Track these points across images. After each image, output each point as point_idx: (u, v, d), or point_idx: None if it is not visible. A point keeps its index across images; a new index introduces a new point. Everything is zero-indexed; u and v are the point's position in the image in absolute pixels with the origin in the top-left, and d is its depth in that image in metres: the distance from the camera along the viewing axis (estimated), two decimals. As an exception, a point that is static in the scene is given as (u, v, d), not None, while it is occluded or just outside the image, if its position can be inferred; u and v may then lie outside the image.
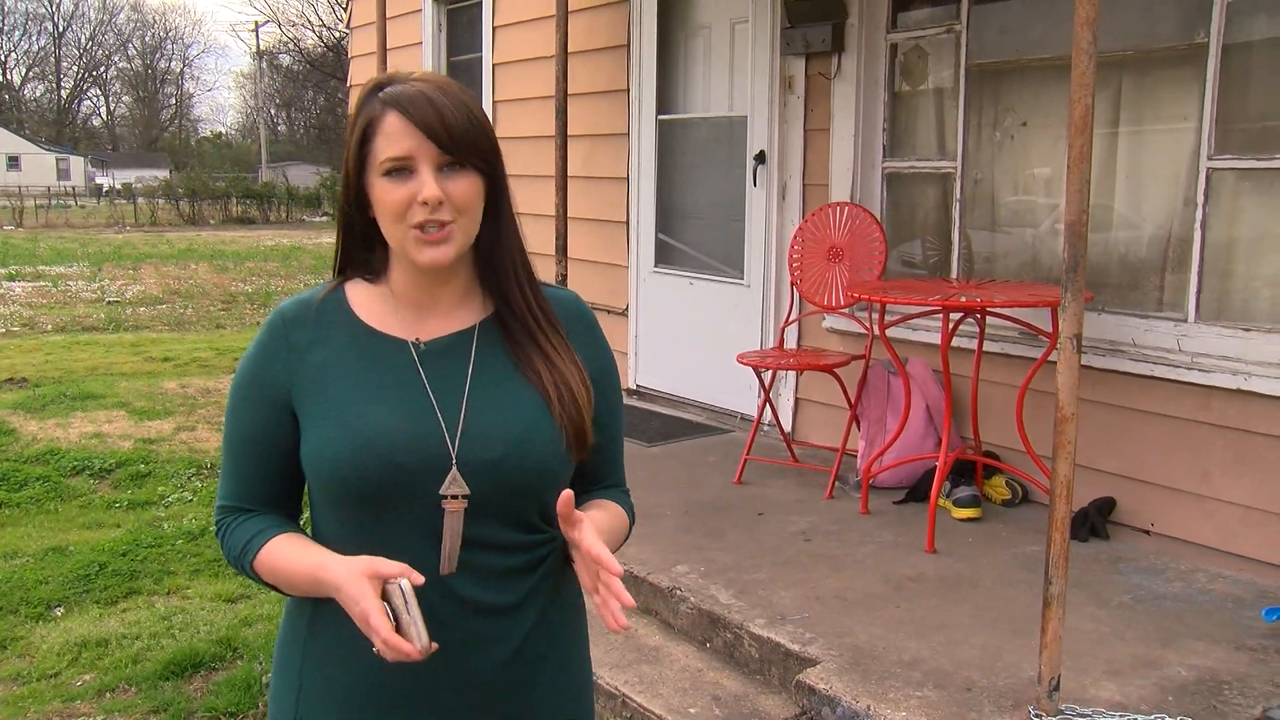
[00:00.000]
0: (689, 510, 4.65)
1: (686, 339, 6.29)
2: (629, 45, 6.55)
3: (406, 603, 1.37)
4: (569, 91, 6.89)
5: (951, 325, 4.37)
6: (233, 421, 1.58)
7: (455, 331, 1.59)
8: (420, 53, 8.65)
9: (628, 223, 6.70)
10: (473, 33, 8.11)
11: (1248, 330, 4.03)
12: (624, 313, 6.79)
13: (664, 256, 6.52)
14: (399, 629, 1.37)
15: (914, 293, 4.23)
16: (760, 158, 5.72)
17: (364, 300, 1.60)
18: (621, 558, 4.10)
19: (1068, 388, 2.77)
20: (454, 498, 1.50)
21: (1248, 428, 3.96)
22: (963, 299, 4.02)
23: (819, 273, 5.17)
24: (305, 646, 1.59)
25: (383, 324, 1.59)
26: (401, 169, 1.48)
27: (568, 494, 1.45)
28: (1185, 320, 4.22)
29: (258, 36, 36.25)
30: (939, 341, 4.42)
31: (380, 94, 1.52)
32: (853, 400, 4.94)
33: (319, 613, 1.55)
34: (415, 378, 1.56)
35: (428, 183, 1.47)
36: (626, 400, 6.66)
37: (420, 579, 1.40)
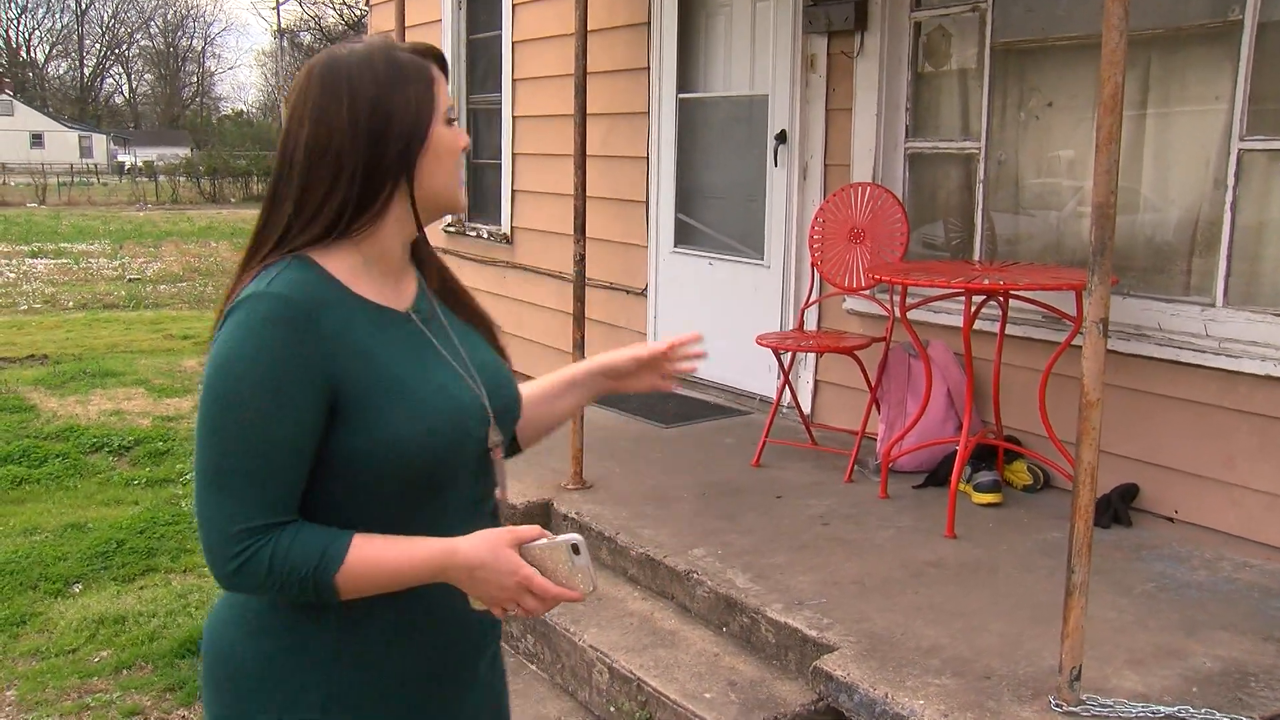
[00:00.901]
0: (706, 493, 4.61)
1: (705, 320, 6.24)
2: (649, 23, 6.49)
3: (579, 551, 1.48)
4: (590, 70, 6.85)
5: (974, 308, 4.31)
6: (267, 427, 1.42)
7: (417, 294, 1.65)
8: (440, 30, 8.59)
9: (647, 202, 6.65)
10: (492, 10, 8.05)
11: (1278, 315, 3.96)
12: (643, 293, 6.74)
13: (683, 237, 6.46)
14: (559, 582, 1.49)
15: (936, 275, 4.17)
16: (781, 137, 5.66)
17: (344, 273, 1.54)
18: (637, 540, 4.08)
19: (1093, 373, 2.72)
20: (497, 445, 1.62)
21: (1275, 414, 3.89)
22: (985, 281, 3.96)
23: (840, 254, 5.11)
24: (337, 648, 1.52)
25: (378, 295, 1.57)
26: (451, 119, 1.59)
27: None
28: (1213, 305, 4.15)
29: (279, 14, 36.20)
30: (961, 324, 4.36)
31: (416, 51, 1.59)
32: (873, 383, 4.88)
33: (361, 608, 1.50)
34: (429, 344, 1.60)
35: (463, 132, 1.61)
36: (645, 381, 6.60)
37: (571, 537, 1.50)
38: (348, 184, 1.51)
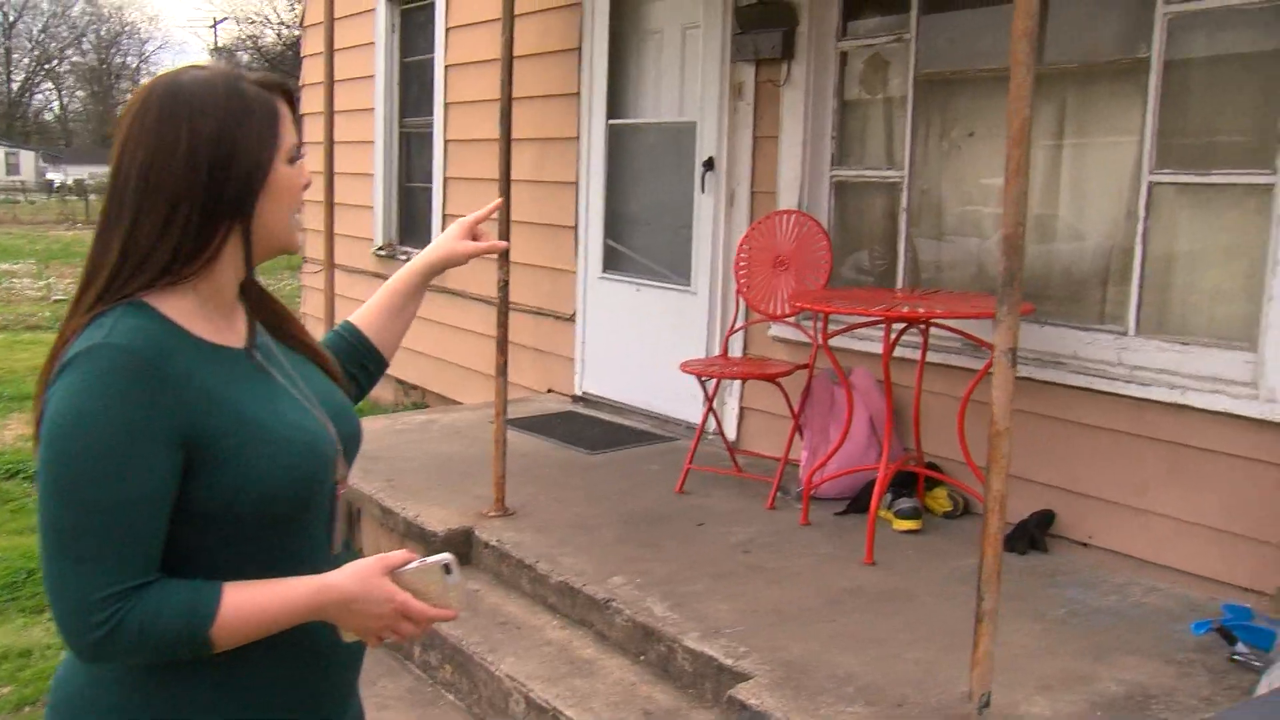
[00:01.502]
0: (628, 520, 4.61)
1: (633, 346, 6.25)
2: (580, 49, 6.51)
3: (451, 571, 1.49)
4: (520, 95, 6.86)
5: (894, 336, 4.36)
6: (122, 483, 1.35)
7: (251, 329, 1.61)
8: (373, 53, 8.57)
9: (576, 228, 6.66)
10: (426, 34, 8.05)
11: (1186, 344, 4.05)
12: (570, 319, 6.74)
13: (612, 262, 6.48)
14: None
15: (857, 302, 4.21)
16: (709, 164, 5.70)
17: (181, 316, 1.47)
18: (557, 568, 4.07)
19: (1002, 402, 2.75)
20: (341, 479, 1.61)
21: (1183, 441, 3.97)
22: (904, 310, 4.01)
23: (765, 281, 5.14)
24: (214, 702, 1.47)
25: (215, 335, 1.52)
26: (295, 157, 1.55)
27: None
28: (1126, 333, 4.23)
29: (215, 33, 35.73)
30: (883, 351, 4.41)
31: (263, 84, 1.54)
32: (796, 410, 4.91)
33: (235, 656, 1.46)
34: (272, 380, 1.56)
35: (306, 170, 1.57)
36: (571, 407, 6.61)
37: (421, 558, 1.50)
38: (183, 225, 1.44)
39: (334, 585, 1.46)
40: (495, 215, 2.12)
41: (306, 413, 1.55)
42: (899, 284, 5.03)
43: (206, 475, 1.42)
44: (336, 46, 8.88)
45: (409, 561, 1.49)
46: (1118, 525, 4.19)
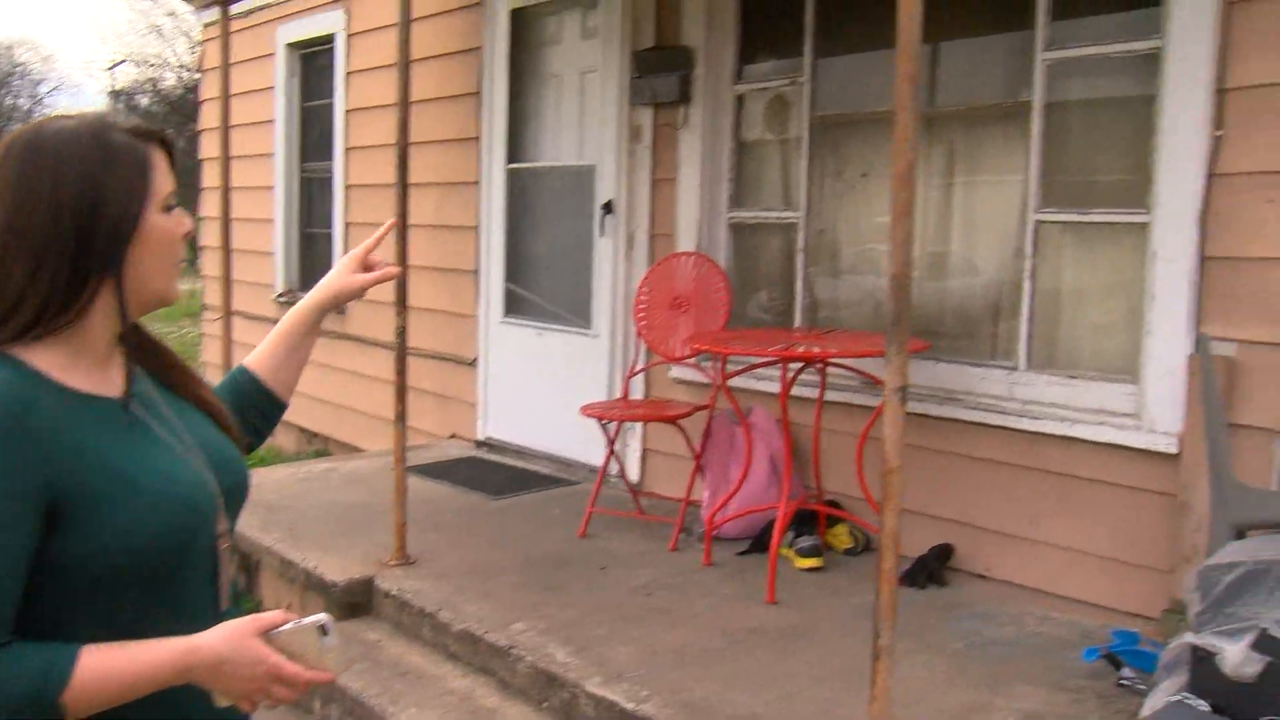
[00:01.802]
0: (530, 565, 4.56)
1: (535, 390, 6.22)
2: (480, 93, 6.51)
3: (328, 631, 1.44)
4: (420, 139, 6.84)
5: (791, 375, 4.39)
6: None
7: (130, 377, 1.56)
8: (273, 97, 8.47)
9: (477, 272, 6.63)
10: (326, 78, 7.98)
11: (1073, 378, 4.14)
12: (473, 364, 6.69)
13: (513, 307, 6.46)
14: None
15: (753, 343, 4.24)
16: (608, 207, 5.72)
17: (51, 366, 1.44)
18: (458, 616, 4.01)
19: (893, 440, 2.78)
20: (223, 534, 1.55)
21: (1072, 472, 4.06)
22: (799, 349, 4.04)
23: (665, 323, 5.16)
24: None
25: (89, 384, 1.47)
26: (171, 205, 1.51)
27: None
28: (1017, 368, 4.31)
29: (113, 76, 34.93)
30: (779, 391, 4.44)
31: (135, 133, 1.50)
32: (697, 451, 4.92)
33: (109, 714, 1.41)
34: (149, 431, 1.51)
35: (187, 217, 1.53)
36: (475, 452, 6.55)
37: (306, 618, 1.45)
38: (50, 278, 1.40)
39: (202, 647, 1.40)
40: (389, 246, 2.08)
41: (183, 464, 1.50)
42: (797, 323, 5.08)
43: (71, 530, 1.37)
44: (236, 90, 8.81)
45: (285, 622, 1.45)
46: (1013, 556, 4.26)
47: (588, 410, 4.91)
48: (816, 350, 4.06)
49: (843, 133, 4.97)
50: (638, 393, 5.59)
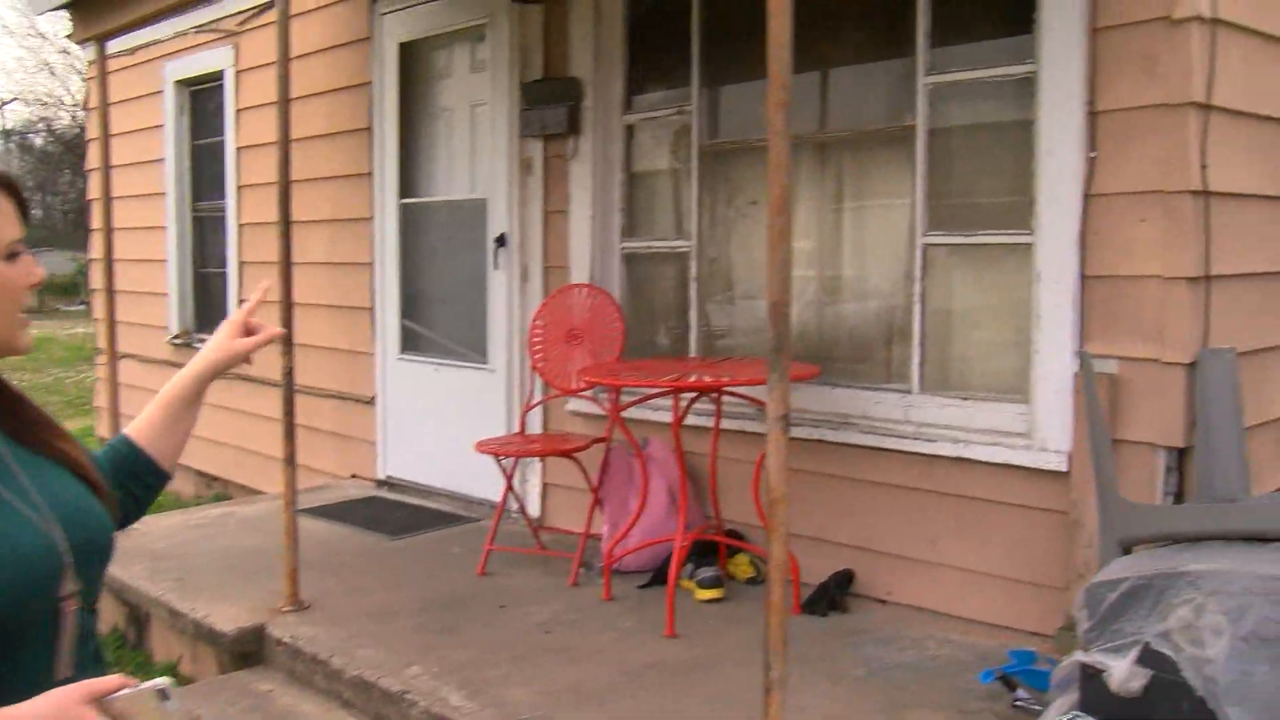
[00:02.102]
0: (427, 607, 4.45)
1: (434, 427, 6.11)
2: (371, 128, 6.41)
3: (168, 696, 1.34)
4: (313, 176, 6.73)
5: (685, 404, 4.35)
6: None
7: None
8: (162, 135, 8.27)
9: (372, 309, 6.51)
10: (217, 115, 7.81)
11: (966, 399, 4.15)
12: (371, 402, 6.56)
13: (410, 343, 6.34)
14: None
15: (645, 374, 4.19)
16: (501, 240, 5.65)
17: None
18: (352, 662, 3.88)
19: (776, 469, 2.74)
20: (71, 595, 1.46)
21: (968, 493, 4.06)
22: (690, 379, 4.00)
23: (560, 356, 5.09)
24: None
25: None
26: (16, 253, 1.46)
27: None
28: (911, 391, 4.31)
29: (3, 115, 34.04)
30: (672, 421, 4.40)
31: None
32: (595, 484, 4.85)
33: None
34: None
35: (36, 265, 1.47)
36: (375, 492, 6.41)
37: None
38: None
39: (20, 717, 1.30)
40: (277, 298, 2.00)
41: (22, 524, 1.41)
42: (693, 352, 5.05)
43: None
44: (126, 129, 8.62)
45: (121, 688, 1.35)
46: (913, 580, 4.25)
47: (482, 447, 4.82)
48: (708, 379, 4.02)
49: (732, 161, 4.97)
50: (536, 426, 5.51)
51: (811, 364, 4.38)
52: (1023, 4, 3.89)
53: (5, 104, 31.96)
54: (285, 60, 4.54)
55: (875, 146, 4.49)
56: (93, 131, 9.12)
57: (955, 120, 4.21)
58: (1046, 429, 3.86)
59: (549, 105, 5.32)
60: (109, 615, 5.17)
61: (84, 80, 8.81)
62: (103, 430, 9.49)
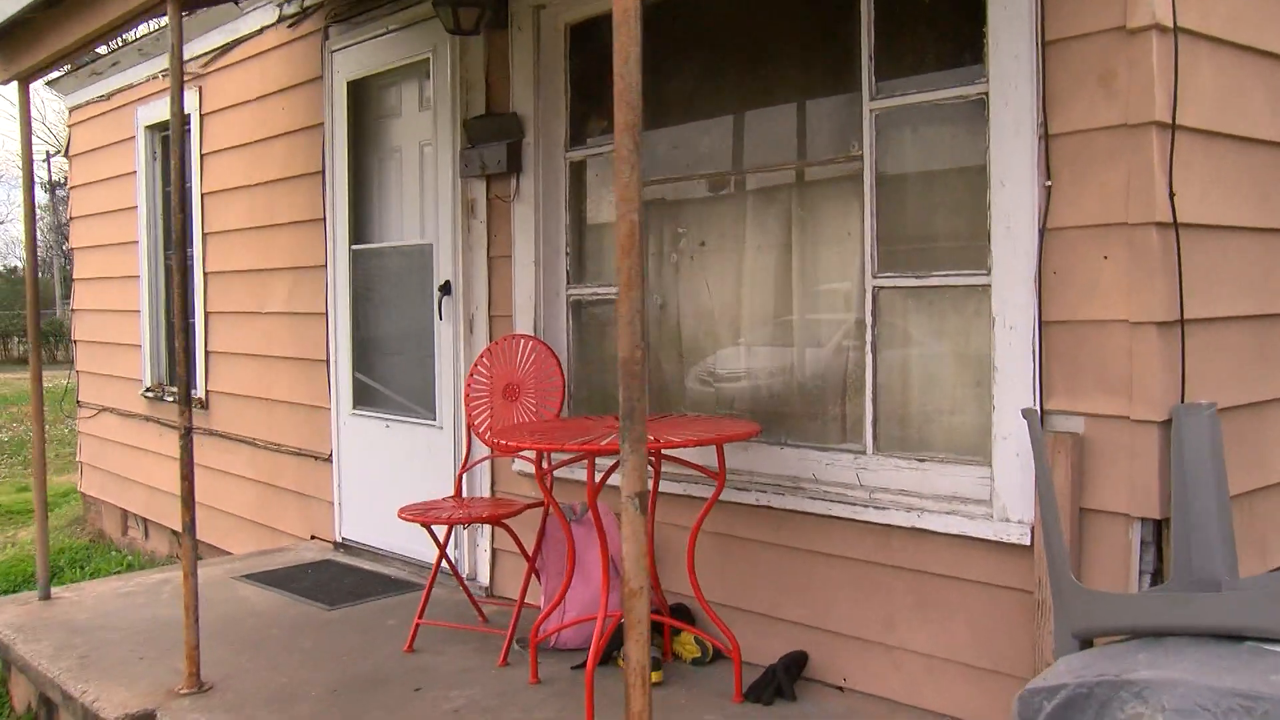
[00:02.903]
0: (341, 688, 4.01)
1: (387, 487, 5.70)
2: (323, 171, 6.06)
3: None
4: (274, 222, 6.43)
5: (607, 468, 3.92)
6: None
7: None
8: (135, 183, 7.99)
9: (328, 361, 6.13)
10: (186, 161, 7.52)
11: (922, 461, 3.67)
12: (329, 459, 6.16)
13: (362, 397, 5.95)
14: None
15: (571, 434, 3.76)
16: (445, 288, 5.25)
17: None
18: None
19: (633, 557, 2.29)
20: None
21: (925, 568, 3.57)
22: (604, 440, 3.56)
23: (499, 412, 4.67)
24: None
25: None
26: None
27: None
28: (864, 452, 3.84)
29: (49, 167, 34.30)
30: (619, 484, 3.96)
31: None
32: (531, 553, 4.41)
33: None
34: None
35: None
36: (330, 555, 6.00)
37: None
38: None
39: None
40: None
41: None
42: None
43: None
44: (101, 175, 8.40)
45: None
46: (870, 664, 3.75)
47: (406, 513, 4.39)
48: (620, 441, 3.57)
49: (677, 200, 4.54)
50: (484, 488, 5.08)
51: (752, 421, 3.92)
52: (972, 18, 3.44)
53: (51, 156, 32.26)
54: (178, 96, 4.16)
55: (822, 181, 4.04)
56: (82, 176, 8.91)
57: (906, 150, 3.75)
58: (1007, 496, 3.36)
59: (489, 143, 4.93)
60: (24, 694, 4.80)
61: (69, 127, 8.61)
62: (88, 487, 9.20)
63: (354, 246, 5.90)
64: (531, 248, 4.85)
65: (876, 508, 3.66)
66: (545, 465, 4.02)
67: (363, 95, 5.89)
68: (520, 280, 4.90)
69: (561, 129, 4.85)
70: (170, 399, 7.55)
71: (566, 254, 4.89)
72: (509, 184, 4.94)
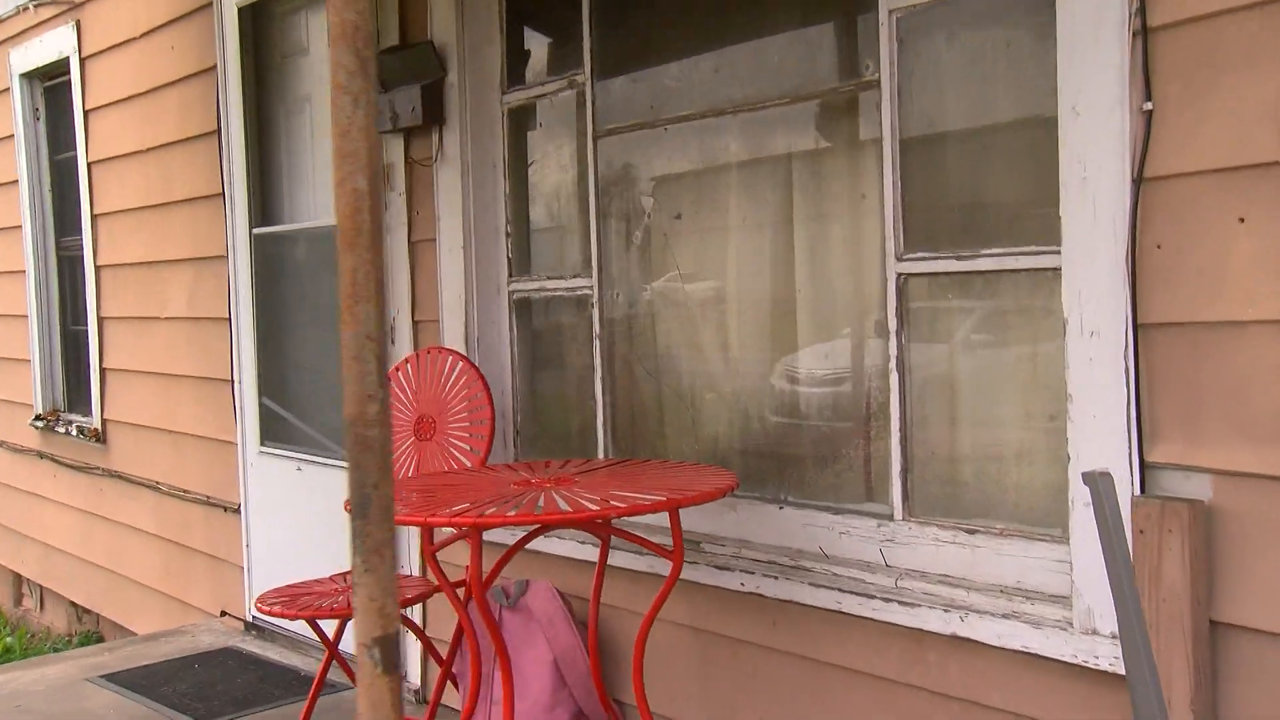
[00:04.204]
0: None
1: (303, 548, 5.13)
2: (219, 129, 5.51)
3: None
4: (170, 199, 5.89)
5: (518, 539, 3.31)
6: None
7: None
8: (14, 147, 7.50)
9: (233, 382, 5.58)
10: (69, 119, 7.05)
11: (973, 532, 2.97)
12: (237, 510, 5.62)
13: (270, 430, 5.38)
14: None
15: (455, 496, 3.15)
16: (358, 283, 4.65)
17: None
18: None
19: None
20: None
21: (977, 698, 2.87)
22: (510, 513, 2.92)
23: (408, 456, 4.07)
24: None
25: None
26: None
27: None
28: (891, 516, 3.15)
29: None
30: (587, 557, 3.41)
31: None
32: (446, 655, 3.80)
33: None
34: None
35: None
36: (235, 641, 5.45)
37: None
38: None
39: None
40: None
41: None
42: (600, 443, 3.96)
43: None
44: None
45: None
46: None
47: (263, 604, 3.79)
48: (540, 505, 2.94)
49: (641, 155, 3.89)
50: (410, 557, 4.49)
51: (726, 471, 3.28)
52: None
53: None
54: None
55: (822, 120, 3.36)
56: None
57: (941, 69, 3.06)
58: (1092, 593, 2.64)
59: (400, 86, 4.33)
60: None
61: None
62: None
63: (255, 230, 5.34)
64: (459, 228, 4.23)
65: (903, 603, 2.96)
66: (436, 539, 3.39)
67: (263, 27, 5.33)
68: (447, 272, 4.29)
69: (496, 62, 4.23)
70: (62, 430, 7.09)
71: (507, 235, 4.27)
72: (429, 141, 4.33)
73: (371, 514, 1.70)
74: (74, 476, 7.08)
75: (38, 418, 7.41)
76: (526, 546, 3.85)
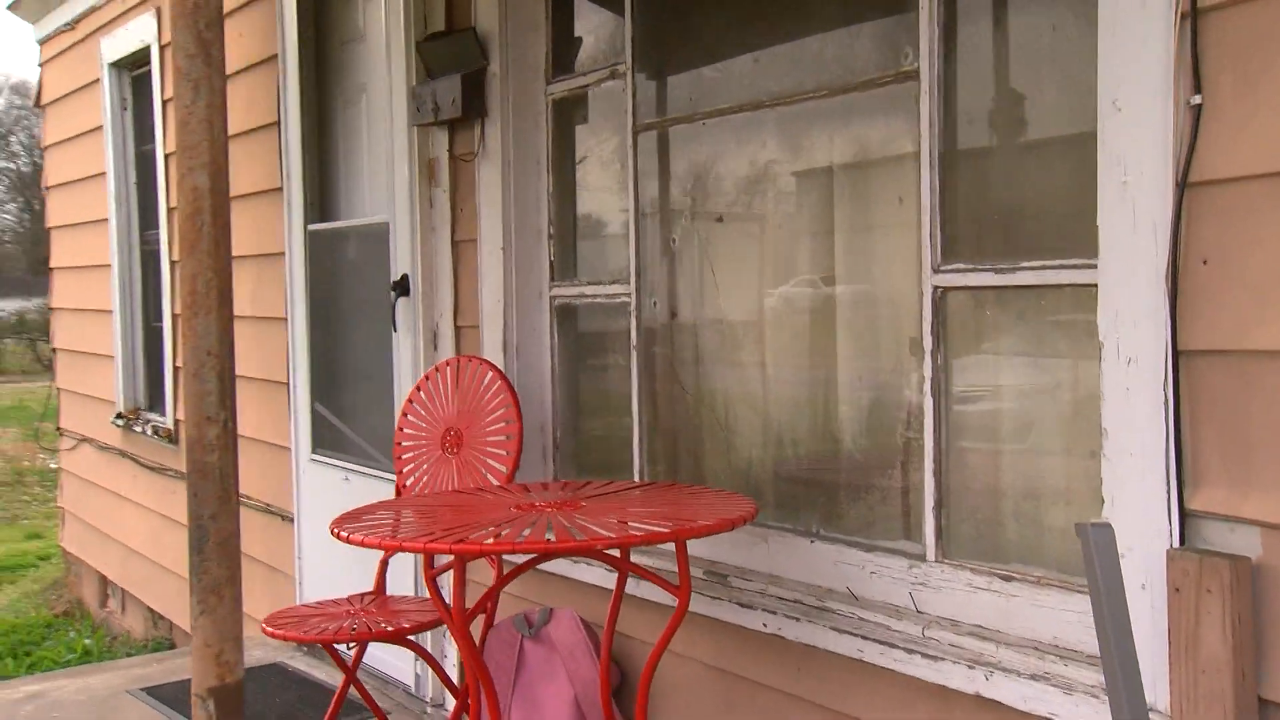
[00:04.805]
0: None
1: (350, 564, 5.06)
2: (279, 122, 5.49)
3: None
4: (236, 192, 5.87)
5: (501, 572, 3.18)
6: None
7: None
8: (102, 140, 7.62)
9: (289, 385, 5.56)
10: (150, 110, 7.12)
11: (1009, 580, 2.75)
12: (291, 520, 5.60)
13: (322, 437, 5.34)
14: None
15: (457, 520, 3.03)
16: (402, 286, 4.57)
17: None
18: None
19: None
20: None
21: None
22: (486, 540, 2.78)
23: (434, 472, 3.97)
24: None
25: None
26: None
27: None
28: (923, 557, 2.94)
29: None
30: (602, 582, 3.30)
31: None
32: (460, 686, 3.69)
33: None
34: None
35: None
36: (284, 658, 5.42)
37: None
38: None
39: None
40: None
41: None
42: (635, 461, 3.81)
43: None
44: (69, 133, 8.10)
45: None
46: None
47: (271, 626, 3.73)
48: (527, 534, 2.79)
49: (686, 150, 3.73)
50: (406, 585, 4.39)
51: (746, 499, 3.09)
52: None
53: None
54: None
55: (857, 116, 3.16)
56: (57, 132, 8.69)
57: (986, 58, 2.85)
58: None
59: (443, 75, 4.23)
60: None
61: (39, 66, 8.40)
62: (69, 542, 8.98)
63: (310, 227, 5.30)
64: (499, 228, 4.12)
65: (926, 655, 2.76)
66: (436, 564, 3.28)
67: (323, 12, 5.29)
68: (487, 275, 4.18)
69: (541, 49, 4.11)
70: (139, 429, 7.16)
71: (550, 236, 4.14)
72: (471, 134, 4.22)
73: (208, 549, 1.62)
74: (150, 477, 7.15)
75: (119, 416, 7.52)
76: (552, 571, 3.75)
